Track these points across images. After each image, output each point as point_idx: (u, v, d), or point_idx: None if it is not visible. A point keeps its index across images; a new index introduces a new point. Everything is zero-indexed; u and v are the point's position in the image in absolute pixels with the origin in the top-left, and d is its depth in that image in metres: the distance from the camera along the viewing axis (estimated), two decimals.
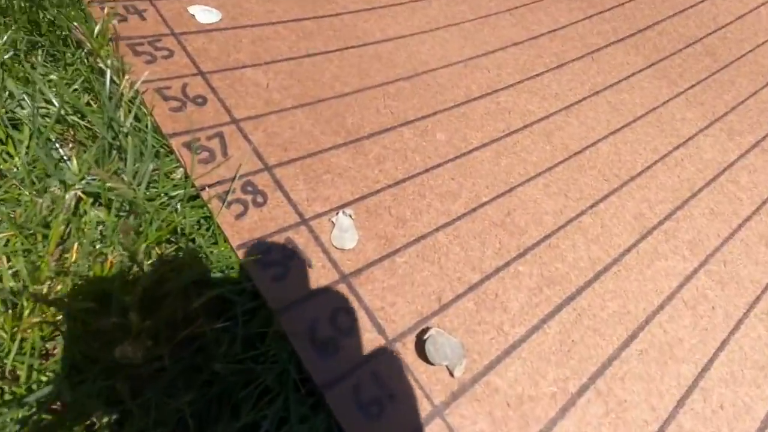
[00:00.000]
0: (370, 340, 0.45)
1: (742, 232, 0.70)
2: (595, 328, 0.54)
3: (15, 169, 0.45)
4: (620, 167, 0.73)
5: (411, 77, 0.74)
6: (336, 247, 0.51)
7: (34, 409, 0.34)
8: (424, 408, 0.43)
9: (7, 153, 0.47)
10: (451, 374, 0.45)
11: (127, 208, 0.44)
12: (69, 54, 0.56)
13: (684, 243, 0.66)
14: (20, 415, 0.33)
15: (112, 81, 0.52)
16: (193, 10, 0.69)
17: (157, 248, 0.44)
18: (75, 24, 0.54)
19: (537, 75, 0.84)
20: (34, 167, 0.46)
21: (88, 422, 0.35)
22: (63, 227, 0.41)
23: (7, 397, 0.34)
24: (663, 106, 0.86)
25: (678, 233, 0.67)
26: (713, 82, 0.94)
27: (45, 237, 0.42)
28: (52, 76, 0.51)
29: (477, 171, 0.65)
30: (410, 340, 0.46)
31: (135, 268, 0.40)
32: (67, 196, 0.43)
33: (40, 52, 0.55)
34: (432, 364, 0.45)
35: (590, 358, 0.51)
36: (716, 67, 0.98)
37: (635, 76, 0.90)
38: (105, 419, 0.35)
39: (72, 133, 0.52)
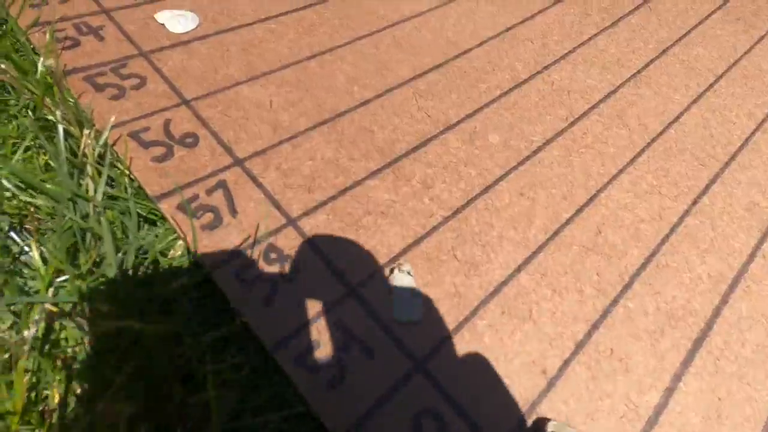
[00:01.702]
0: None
1: None
2: (739, 374, 0.41)
3: None
4: (714, 144, 0.59)
5: (442, 65, 0.60)
6: (401, 322, 0.38)
7: None
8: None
9: None
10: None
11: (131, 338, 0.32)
12: (13, 101, 0.43)
13: None
14: None
15: (68, 136, 0.38)
16: (161, 17, 0.55)
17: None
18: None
19: (589, 39, 0.68)
20: None
21: None
22: (29, 376, 0.29)
23: None
24: (745, 57, 0.71)
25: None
26: None
27: (9, 385, 0.30)
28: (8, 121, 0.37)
29: (547, 178, 0.51)
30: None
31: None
32: (31, 326, 0.30)
33: None
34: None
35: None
36: None
37: (704, 23, 0.74)
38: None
39: (32, 212, 0.39)
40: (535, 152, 0.53)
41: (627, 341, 0.41)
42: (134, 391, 0.30)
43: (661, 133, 0.59)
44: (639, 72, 0.65)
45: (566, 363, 0.39)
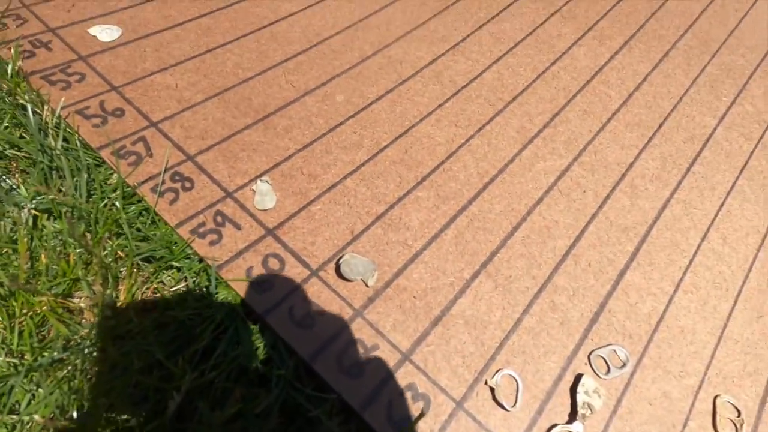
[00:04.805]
0: (297, 274, 0.57)
1: (611, 124, 0.83)
2: (484, 227, 0.66)
3: None
4: (503, 91, 0.84)
5: (307, 50, 0.83)
6: (259, 209, 0.61)
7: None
8: (347, 313, 0.55)
9: None
10: (366, 285, 0.57)
11: (76, 215, 0.54)
12: None
13: (560, 143, 0.78)
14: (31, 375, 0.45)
15: (34, 112, 0.60)
16: (93, 31, 0.76)
17: (109, 240, 0.55)
18: None
19: (424, 22, 0.92)
20: None
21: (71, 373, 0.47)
22: (27, 240, 0.51)
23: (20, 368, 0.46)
24: (541, 27, 0.96)
25: (555, 136, 0.79)
26: (619, 13, 1.04)
27: (14, 251, 0.52)
28: None
29: (376, 121, 0.75)
30: (330, 267, 0.58)
31: (94, 258, 0.51)
32: (23, 215, 0.52)
33: None
34: (349, 280, 0.57)
35: (481, 251, 0.64)
36: None
37: (514, 5, 0.99)
38: (92, 366, 0.47)
39: (14, 164, 0.60)
40: (369, 105, 0.77)
41: (412, 214, 0.65)
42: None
43: (464, 86, 0.83)
44: (457, 45, 0.90)
45: (367, 227, 0.63)
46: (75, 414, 0.42)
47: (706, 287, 0.66)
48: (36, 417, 0.40)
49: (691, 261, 0.68)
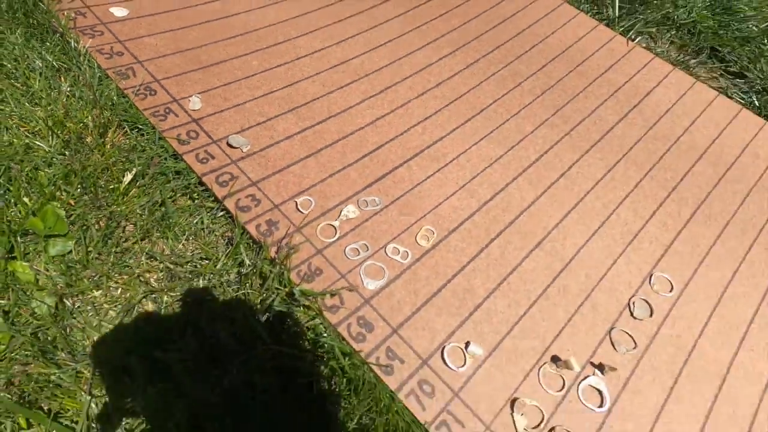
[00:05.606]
0: (204, 141, 1.06)
1: (424, 95, 1.33)
2: (320, 133, 1.15)
3: (36, 87, 1.04)
4: (362, 70, 1.35)
5: (241, 35, 1.34)
6: (191, 110, 1.11)
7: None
8: (228, 161, 1.04)
9: (29, 85, 1.05)
10: (242, 151, 1.06)
11: (92, 90, 1.03)
12: (50, 38, 1.14)
13: (386, 102, 1.29)
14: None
15: (74, 47, 1.10)
16: (112, 10, 1.27)
17: (105, 109, 1.03)
18: (53, 20, 1.12)
19: (326, 26, 1.45)
20: (43, 89, 1.05)
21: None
22: (64, 103, 1.00)
23: None
24: (399, 38, 1.48)
25: (385, 98, 1.29)
26: (457, 33, 1.57)
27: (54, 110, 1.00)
28: (47, 44, 1.09)
29: (274, 77, 1.26)
30: (224, 141, 1.07)
31: (95, 110, 0.99)
32: (62, 90, 1.01)
33: (35, 39, 1.13)
34: (234, 147, 1.06)
35: (317, 146, 1.13)
36: (458, 23, 1.61)
37: (391, 20, 1.52)
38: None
39: (59, 75, 1.10)
40: (272, 68, 1.28)
41: (281, 124, 1.15)
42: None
43: (337, 65, 1.34)
44: (341, 41, 1.41)
45: (251, 127, 1.12)
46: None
47: (453, 179, 1.15)
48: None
49: (446, 165, 1.17)
